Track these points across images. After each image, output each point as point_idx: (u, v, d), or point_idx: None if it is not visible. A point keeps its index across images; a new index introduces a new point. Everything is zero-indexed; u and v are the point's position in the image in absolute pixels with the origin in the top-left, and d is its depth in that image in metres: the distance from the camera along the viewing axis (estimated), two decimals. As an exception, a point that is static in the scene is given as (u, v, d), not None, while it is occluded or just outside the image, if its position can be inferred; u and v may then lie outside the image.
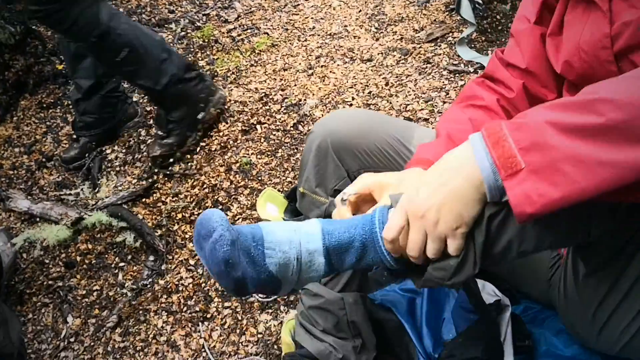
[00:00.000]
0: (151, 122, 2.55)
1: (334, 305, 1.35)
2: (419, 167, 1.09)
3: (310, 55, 2.71)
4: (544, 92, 1.20)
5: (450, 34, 2.67)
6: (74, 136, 2.51)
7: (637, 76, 0.78)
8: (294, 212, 1.74)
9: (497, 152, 0.81)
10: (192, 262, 2.00)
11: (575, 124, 0.76)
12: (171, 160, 2.35)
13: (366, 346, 1.42)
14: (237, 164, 2.27)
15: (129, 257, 2.07)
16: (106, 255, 2.09)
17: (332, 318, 1.37)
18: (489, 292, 1.45)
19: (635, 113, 0.73)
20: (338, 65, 2.63)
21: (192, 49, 2.85)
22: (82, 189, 2.33)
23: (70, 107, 2.74)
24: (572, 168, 0.76)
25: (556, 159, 0.77)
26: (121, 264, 2.05)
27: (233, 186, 2.20)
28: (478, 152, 0.84)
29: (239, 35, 2.90)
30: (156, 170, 2.32)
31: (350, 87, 2.48)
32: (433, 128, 2.14)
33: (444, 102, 2.33)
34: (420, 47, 2.63)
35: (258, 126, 2.41)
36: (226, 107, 2.49)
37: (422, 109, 2.31)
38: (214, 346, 1.77)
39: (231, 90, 2.59)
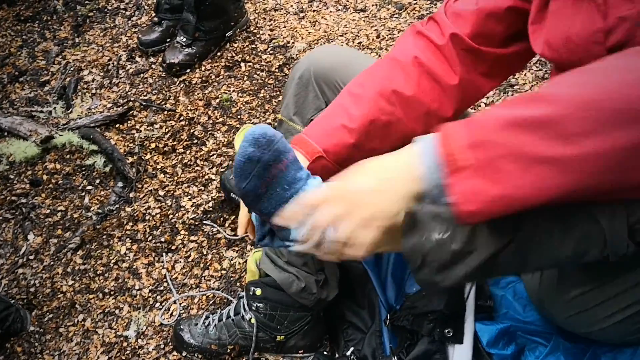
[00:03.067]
0: (133, 45, 2.47)
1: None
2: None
3: (303, -2, 2.64)
4: (481, 45, 1.16)
5: (448, -6, 2.62)
6: (155, 19, 2.46)
7: (591, 70, 0.73)
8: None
9: (444, 149, 0.78)
10: (161, 192, 1.97)
11: (517, 117, 0.72)
12: (187, 70, 2.34)
13: (328, 283, 1.42)
14: (217, 100, 2.22)
15: (97, 181, 2.02)
16: (74, 177, 2.04)
17: (297, 250, 1.37)
18: (457, 249, 1.45)
19: (568, 109, 0.70)
20: (330, 11, 2.57)
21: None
22: (54, 108, 2.25)
23: (49, 23, 2.64)
24: (512, 165, 0.73)
25: (499, 154, 0.73)
26: (88, 187, 2.01)
27: (211, 121, 2.16)
28: (425, 150, 0.81)
29: (232, -31, 2.81)
30: (132, 99, 2.26)
31: (340, 35, 2.43)
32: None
33: (433, 61, 2.30)
34: (416, 3, 2.57)
35: (242, 64, 2.35)
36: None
37: (410, 66, 2.28)
38: (176, 277, 1.75)
39: (218, 24, 2.51)
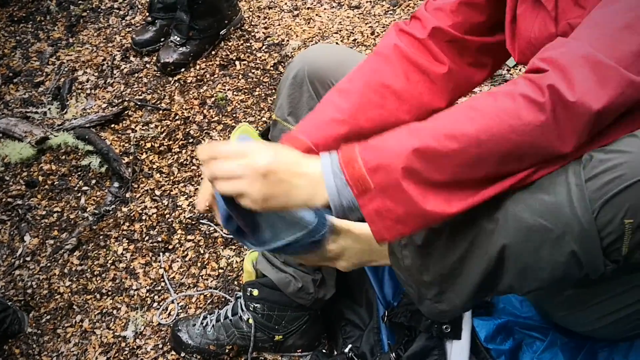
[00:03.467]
0: (127, 44, 2.47)
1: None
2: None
3: (297, -5, 2.63)
4: (465, 35, 1.18)
5: (442, -10, 2.62)
6: (149, 18, 2.44)
7: (486, 109, 0.82)
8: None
9: (348, 172, 0.85)
10: (157, 192, 1.96)
11: (421, 147, 0.82)
12: (182, 70, 2.34)
13: (325, 282, 1.42)
14: (212, 99, 2.22)
15: (93, 181, 2.02)
16: (70, 178, 2.03)
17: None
18: (454, 246, 1.45)
19: (464, 144, 0.81)
20: (325, 9, 2.57)
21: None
22: (49, 109, 2.25)
23: (43, 23, 2.63)
24: (412, 187, 0.82)
25: (398, 178, 0.82)
26: (84, 188, 2.00)
27: (206, 120, 2.15)
28: (327, 174, 0.88)
29: (225, -33, 2.80)
30: (127, 99, 2.25)
31: (335, 33, 2.43)
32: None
33: (428, 58, 2.30)
34: (410, 0, 2.57)
35: (237, 62, 2.35)
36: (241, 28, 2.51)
37: (405, 62, 2.28)
38: (174, 277, 1.75)
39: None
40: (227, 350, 1.48)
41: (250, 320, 1.45)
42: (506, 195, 0.87)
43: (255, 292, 1.43)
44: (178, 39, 2.33)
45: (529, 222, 0.85)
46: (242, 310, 1.46)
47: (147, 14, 2.48)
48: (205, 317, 1.53)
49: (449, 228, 0.92)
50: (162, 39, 2.41)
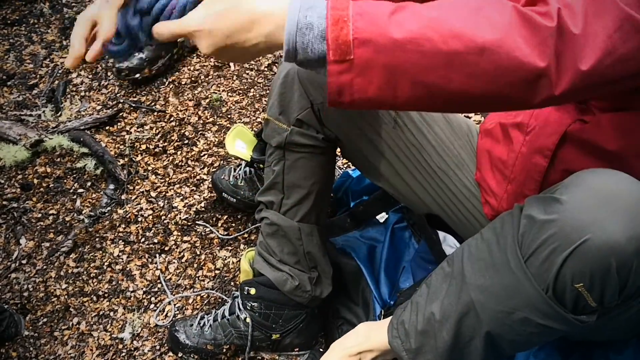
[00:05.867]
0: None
1: (290, 234, 1.36)
2: None
3: (290, -4, 2.64)
4: None
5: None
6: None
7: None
8: (263, 150, 1.72)
9: (334, 33, 0.75)
10: (153, 194, 1.96)
11: (413, 33, 0.75)
12: (137, 75, 2.28)
13: (322, 280, 1.43)
14: (207, 100, 2.22)
15: (89, 183, 2.02)
16: (65, 180, 2.03)
17: (288, 246, 1.39)
18: (449, 244, 1.46)
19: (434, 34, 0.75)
20: (318, 9, 2.58)
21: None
22: (44, 111, 2.24)
23: (36, 26, 2.62)
24: (383, 70, 0.76)
25: (382, 61, 0.75)
26: (80, 190, 2.00)
27: (201, 122, 2.16)
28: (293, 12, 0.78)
29: (218, -32, 2.81)
30: (122, 101, 2.25)
31: (328, 33, 2.43)
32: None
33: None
34: None
35: (231, 63, 2.35)
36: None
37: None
38: (170, 278, 1.76)
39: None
40: (224, 350, 1.48)
41: (248, 319, 1.45)
42: (467, 285, 0.97)
43: (253, 291, 1.44)
44: None
45: (495, 309, 0.94)
46: (240, 309, 1.46)
47: None
48: (202, 317, 1.53)
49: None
50: None
